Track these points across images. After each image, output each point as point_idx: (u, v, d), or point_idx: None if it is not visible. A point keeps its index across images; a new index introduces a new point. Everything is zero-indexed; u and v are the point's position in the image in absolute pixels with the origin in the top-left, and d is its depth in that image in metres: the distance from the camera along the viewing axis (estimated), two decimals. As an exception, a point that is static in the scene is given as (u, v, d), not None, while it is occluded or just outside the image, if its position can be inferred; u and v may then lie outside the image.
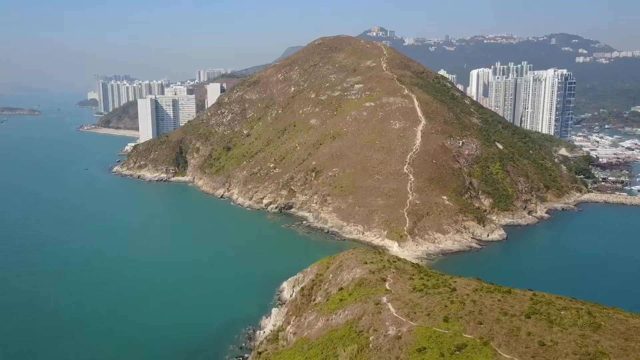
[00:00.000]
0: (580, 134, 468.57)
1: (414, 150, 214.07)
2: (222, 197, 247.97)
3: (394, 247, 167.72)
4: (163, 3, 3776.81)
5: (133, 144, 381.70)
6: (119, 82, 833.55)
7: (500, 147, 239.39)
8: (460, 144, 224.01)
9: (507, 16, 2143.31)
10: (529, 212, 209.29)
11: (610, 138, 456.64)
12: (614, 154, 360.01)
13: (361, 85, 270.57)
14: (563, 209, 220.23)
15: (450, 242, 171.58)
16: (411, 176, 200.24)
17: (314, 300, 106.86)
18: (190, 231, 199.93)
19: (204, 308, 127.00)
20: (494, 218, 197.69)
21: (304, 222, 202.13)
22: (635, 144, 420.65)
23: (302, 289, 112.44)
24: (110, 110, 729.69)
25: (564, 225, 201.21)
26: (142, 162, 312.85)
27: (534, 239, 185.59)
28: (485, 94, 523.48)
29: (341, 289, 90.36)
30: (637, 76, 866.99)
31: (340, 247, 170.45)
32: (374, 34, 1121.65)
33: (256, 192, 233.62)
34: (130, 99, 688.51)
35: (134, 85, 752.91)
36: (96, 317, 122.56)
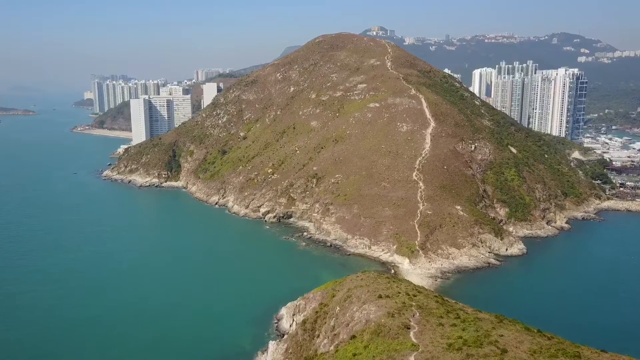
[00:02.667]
0: (588, 135, 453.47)
1: (423, 155, 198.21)
2: (216, 204, 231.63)
3: (404, 264, 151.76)
4: (163, 3, 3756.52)
5: (126, 146, 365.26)
6: (114, 82, 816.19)
7: (514, 151, 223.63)
8: (473, 148, 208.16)
9: (508, 15, 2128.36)
10: (548, 222, 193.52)
11: (619, 140, 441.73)
12: (628, 157, 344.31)
13: (365, 85, 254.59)
14: (583, 219, 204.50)
15: (466, 257, 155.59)
16: (421, 183, 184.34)
17: (318, 336, 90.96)
18: (178, 245, 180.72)
19: (190, 338, 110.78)
20: (510, 229, 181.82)
21: (305, 233, 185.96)
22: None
23: (304, 322, 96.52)
24: (106, 110, 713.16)
25: (588, 238, 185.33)
26: (133, 166, 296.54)
27: (558, 253, 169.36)
28: (488, 94, 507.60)
29: (353, 337, 74.09)
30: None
31: (345, 264, 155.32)
32: (374, 33, 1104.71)
33: (253, 199, 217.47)
34: (126, 98, 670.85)
35: (130, 85, 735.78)
36: (72, 352, 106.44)
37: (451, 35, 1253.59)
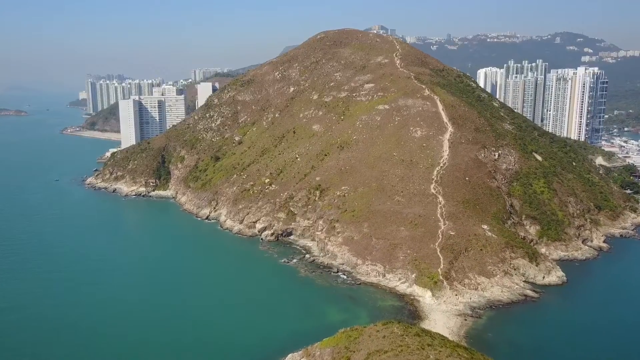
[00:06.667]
0: (603, 138, 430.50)
1: (442, 164, 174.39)
2: (207, 218, 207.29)
3: (426, 298, 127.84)
4: (163, 3, 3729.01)
5: (114, 150, 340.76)
6: (108, 82, 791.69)
7: (539, 158, 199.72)
8: (496, 157, 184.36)
9: (510, 14, 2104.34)
10: (584, 242, 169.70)
11: (635, 142, 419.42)
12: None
13: (372, 85, 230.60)
14: (621, 236, 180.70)
15: (498, 288, 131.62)
16: (440, 198, 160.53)
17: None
18: (158, 275, 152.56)
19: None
20: (543, 250, 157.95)
21: (307, 255, 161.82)
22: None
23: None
24: (99, 111, 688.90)
25: (633, 260, 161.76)
26: (119, 173, 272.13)
27: (603, 282, 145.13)
28: (494, 94, 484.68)
29: None
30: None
31: (355, 297, 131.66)
32: (375, 32, 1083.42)
33: (248, 213, 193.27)
34: (120, 99, 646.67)
35: (123, 84, 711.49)
36: None
37: (452, 35, 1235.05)
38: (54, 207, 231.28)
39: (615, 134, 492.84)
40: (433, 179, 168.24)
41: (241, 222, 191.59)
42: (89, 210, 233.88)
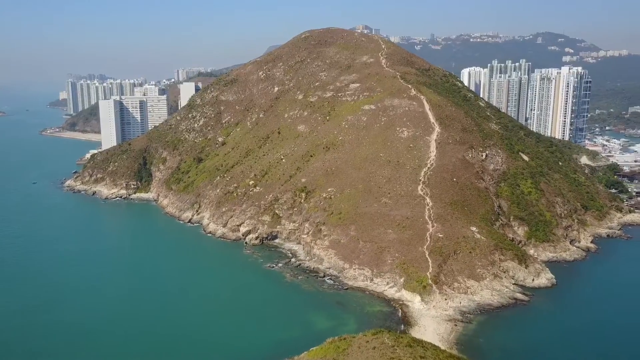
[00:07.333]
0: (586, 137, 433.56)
1: (429, 165, 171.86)
2: (190, 221, 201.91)
3: (415, 302, 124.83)
4: (142, 1, 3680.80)
5: (95, 152, 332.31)
6: (89, 82, 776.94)
7: (526, 158, 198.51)
8: (484, 157, 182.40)
9: (492, 14, 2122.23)
10: (572, 242, 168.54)
11: (617, 141, 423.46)
12: (635, 161, 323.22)
13: (358, 85, 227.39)
14: (608, 236, 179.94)
15: (488, 292, 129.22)
16: (428, 199, 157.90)
17: None
18: (136, 283, 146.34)
19: None
20: (531, 252, 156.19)
21: (293, 259, 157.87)
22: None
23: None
24: (80, 111, 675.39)
25: (621, 261, 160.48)
26: (99, 175, 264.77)
27: (593, 283, 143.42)
28: (478, 94, 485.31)
29: None
30: (626, 76, 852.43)
31: (342, 302, 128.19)
32: (359, 32, 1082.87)
33: (232, 216, 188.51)
34: (101, 99, 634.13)
35: (105, 84, 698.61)
36: None
37: (436, 35, 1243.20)
38: (30, 211, 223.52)
39: (597, 133, 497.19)
40: (420, 180, 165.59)
41: (225, 225, 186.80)
42: (66, 214, 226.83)
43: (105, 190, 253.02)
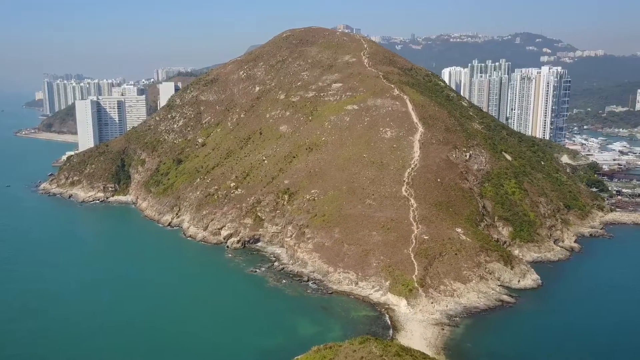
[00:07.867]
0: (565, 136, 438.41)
1: (413, 165, 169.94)
2: (169, 225, 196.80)
3: (401, 306, 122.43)
4: (120, 1, 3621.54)
5: (71, 153, 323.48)
6: (65, 82, 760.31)
7: (509, 158, 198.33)
8: (468, 157, 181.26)
9: (472, 14, 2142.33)
10: (555, 242, 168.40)
11: (595, 140, 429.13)
12: (614, 159, 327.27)
13: (340, 85, 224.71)
14: (591, 235, 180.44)
15: (474, 294, 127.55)
16: (412, 200, 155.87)
17: None
18: (113, 285, 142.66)
19: None
20: (516, 252, 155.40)
21: (276, 263, 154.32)
22: (625, 146, 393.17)
23: None
24: (56, 111, 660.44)
25: (605, 261, 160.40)
26: (75, 178, 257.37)
27: (578, 284, 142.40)
28: (459, 94, 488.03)
29: None
30: (602, 76, 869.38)
31: (327, 307, 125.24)
32: (340, 31, 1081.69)
33: (212, 219, 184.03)
34: (78, 99, 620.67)
35: (82, 84, 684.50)
36: None
37: (417, 35, 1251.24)
38: (1, 216, 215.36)
39: (575, 132, 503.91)
40: (404, 181, 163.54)
41: (205, 228, 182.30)
42: (41, 219, 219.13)
43: (82, 193, 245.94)
